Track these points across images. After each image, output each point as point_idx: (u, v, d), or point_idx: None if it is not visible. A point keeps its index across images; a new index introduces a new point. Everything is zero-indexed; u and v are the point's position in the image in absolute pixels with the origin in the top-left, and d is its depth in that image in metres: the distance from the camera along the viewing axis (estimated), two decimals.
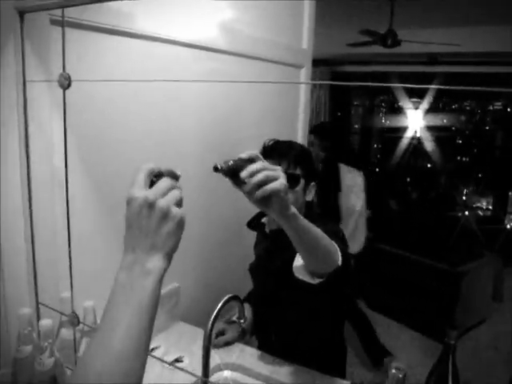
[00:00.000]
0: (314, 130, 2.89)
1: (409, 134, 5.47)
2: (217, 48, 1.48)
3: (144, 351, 0.53)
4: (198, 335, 1.33)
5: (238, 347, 1.35)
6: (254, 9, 1.67)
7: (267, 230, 1.34)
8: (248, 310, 1.42)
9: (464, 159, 5.54)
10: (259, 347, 1.41)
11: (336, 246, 0.95)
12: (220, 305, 0.99)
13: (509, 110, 5.24)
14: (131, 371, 0.51)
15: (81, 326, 0.99)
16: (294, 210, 0.77)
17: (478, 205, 5.31)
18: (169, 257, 0.57)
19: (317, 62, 3.88)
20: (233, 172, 0.71)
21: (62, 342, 1.03)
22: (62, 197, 0.97)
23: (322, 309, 1.24)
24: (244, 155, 0.73)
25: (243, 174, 0.71)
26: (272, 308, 1.32)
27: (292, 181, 1.19)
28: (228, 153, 0.75)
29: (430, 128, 5.37)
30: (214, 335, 1.33)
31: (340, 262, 0.94)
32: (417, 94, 5.29)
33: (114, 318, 0.52)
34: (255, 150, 0.77)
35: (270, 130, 1.56)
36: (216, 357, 1.29)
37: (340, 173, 2.79)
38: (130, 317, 0.52)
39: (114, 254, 0.57)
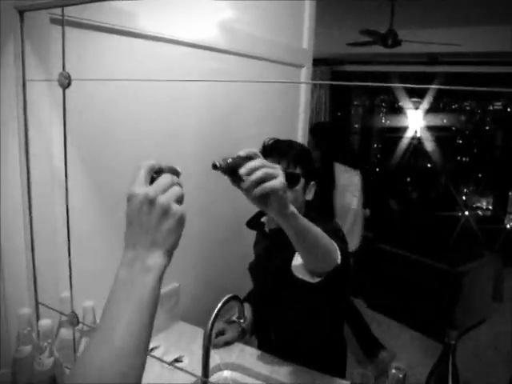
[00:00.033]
0: (310, 129, 2.90)
1: (409, 133, 5.47)
2: (217, 48, 1.48)
3: (144, 348, 0.53)
4: (198, 335, 1.33)
5: (238, 347, 1.35)
6: (255, 8, 1.66)
7: (267, 229, 1.33)
8: (248, 309, 1.42)
9: (464, 159, 5.54)
10: (259, 347, 1.41)
11: (335, 245, 0.95)
12: (220, 305, 0.99)
13: (509, 110, 5.23)
14: (132, 368, 0.51)
15: (80, 325, 0.99)
16: (292, 208, 0.77)
17: (478, 205, 5.31)
18: (169, 253, 0.57)
19: (317, 62, 3.87)
20: (232, 170, 0.71)
21: (62, 341, 1.02)
22: (61, 197, 0.97)
23: (322, 308, 1.24)
24: (243, 153, 0.73)
25: (242, 170, 0.71)
26: (271, 307, 1.32)
27: (292, 180, 1.19)
28: (228, 152, 0.75)
29: (430, 128, 5.36)
30: (213, 335, 1.33)
31: (339, 261, 0.94)
32: (417, 94, 5.28)
33: (115, 315, 0.52)
34: (254, 148, 0.76)
35: (270, 130, 1.56)
36: (216, 357, 1.28)
37: (335, 172, 2.80)
38: (131, 313, 0.52)
39: (114, 253, 0.57)
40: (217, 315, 0.99)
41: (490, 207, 5.29)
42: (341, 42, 4.09)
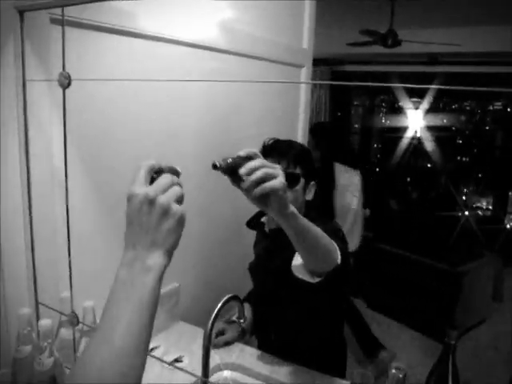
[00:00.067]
0: (310, 129, 2.90)
1: (409, 133, 5.47)
2: (217, 48, 1.48)
3: (144, 348, 0.53)
4: (198, 335, 1.33)
5: (238, 347, 1.35)
6: (255, 8, 1.66)
7: (267, 229, 1.33)
8: (248, 309, 1.42)
9: (464, 159, 5.54)
10: (259, 347, 1.41)
11: (335, 245, 0.95)
12: (220, 305, 0.99)
13: (509, 109, 5.23)
14: (132, 368, 0.51)
15: (80, 325, 0.99)
16: (292, 208, 0.77)
17: (478, 205, 5.31)
18: (169, 253, 0.57)
19: (317, 62, 3.87)
20: (231, 170, 0.71)
21: (62, 341, 1.02)
22: (61, 197, 0.97)
23: (322, 308, 1.24)
24: (242, 153, 0.73)
25: (242, 170, 0.70)
26: (271, 307, 1.32)
27: (292, 180, 1.19)
28: (228, 152, 0.75)
29: (430, 128, 5.36)
30: (213, 335, 1.33)
31: (339, 261, 0.94)
32: (417, 94, 5.28)
33: (115, 315, 0.52)
34: (254, 148, 0.76)
35: (270, 130, 1.56)
36: (216, 357, 1.28)
37: (335, 172, 2.80)
38: (131, 313, 0.52)
39: (114, 253, 0.57)
40: (217, 315, 0.98)
41: (490, 207, 5.29)
42: (341, 42, 4.09)
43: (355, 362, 2.74)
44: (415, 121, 5.39)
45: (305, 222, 0.81)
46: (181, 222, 0.57)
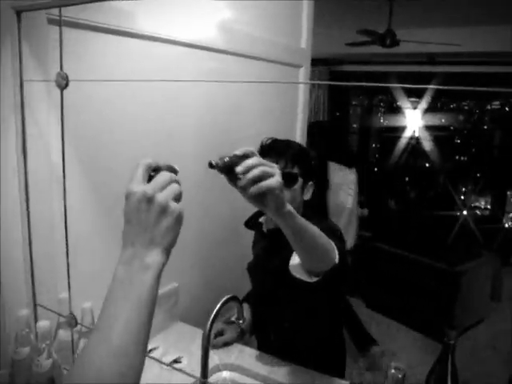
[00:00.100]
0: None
1: (407, 133, 5.48)
2: (216, 48, 1.48)
3: (143, 347, 0.53)
4: (197, 335, 1.33)
5: (237, 347, 1.35)
6: (253, 8, 1.66)
7: (265, 229, 1.33)
8: (247, 309, 1.42)
9: (462, 159, 5.55)
10: (259, 347, 1.41)
11: (333, 244, 0.94)
12: (219, 305, 0.99)
13: (507, 109, 5.24)
14: (130, 367, 0.51)
15: (78, 327, 0.99)
16: (289, 207, 0.77)
17: (477, 204, 5.32)
18: (167, 252, 0.57)
19: (315, 62, 3.87)
20: (228, 168, 0.71)
21: (60, 343, 1.02)
22: (59, 197, 0.97)
23: (320, 307, 1.24)
24: (239, 152, 0.73)
25: (239, 169, 0.70)
26: (270, 307, 1.32)
27: (289, 180, 1.19)
28: (227, 152, 0.74)
29: (428, 128, 5.37)
30: (212, 336, 1.33)
31: (337, 261, 0.94)
32: (415, 94, 5.29)
33: (113, 313, 0.52)
34: (250, 146, 0.76)
35: (268, 130, 1.55)
36: (215, 357, 1.28)
37: (329, 170, 2.80)
38: (129, 311, 0.52)
39: (112, 254, 0.57)
40: (216, 316, 0.98)
41: (489, 207, 5.30)
42: (339, 42, 4.09)
43: (348, 356, 2.76)
44: (413, 120, 5.39)
45: (302, 221, 0.81)
46: (179, 219, 0.57)
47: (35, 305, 1.05)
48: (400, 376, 0.84)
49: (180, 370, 1.14)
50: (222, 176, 0.73)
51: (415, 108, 5.35)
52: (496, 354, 2.93)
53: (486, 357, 2.90)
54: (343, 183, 2.82)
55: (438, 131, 5.40)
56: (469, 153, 5.51)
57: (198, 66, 1.44)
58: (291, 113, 2.06)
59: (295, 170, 1.21)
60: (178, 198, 0.58)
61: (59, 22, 0.88)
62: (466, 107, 5.47)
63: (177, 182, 0.60)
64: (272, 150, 1.22)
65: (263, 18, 1.74)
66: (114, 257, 0.56)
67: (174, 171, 0.61)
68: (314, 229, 0.85)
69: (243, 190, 0.72)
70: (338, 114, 5.85)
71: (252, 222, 1.38)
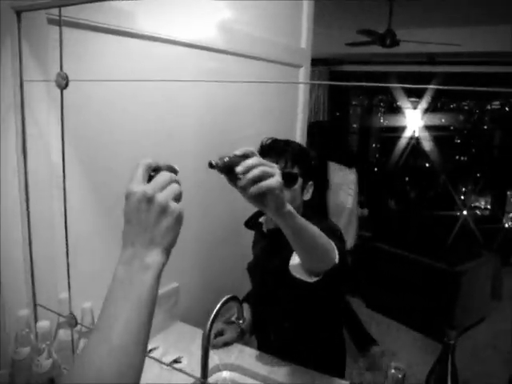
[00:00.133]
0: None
1: (407, 133, 5.48)
2: (216, 48, 1.48)
3: (143, 346, 0.53)
4: (197, 335, 1.33)
5: (237, 348, 1.35)
6: (253, 8, 1.66)
7: (265, 229, 1.33)
8: (247, 310, 1.42)
9: (462, 159, 5.55)
10: (259, 347, 1.41)
11: (333, 244, 0.94)
12: (219, 306, 0.99)
13: (507, 109, 5.24)
14: (130, 367, 0.50)
15: (79, 327, 0.99)
16: (289, 207, 0.77)
17: (477, 204, 5.32)
18: (167, 252, 0.57)
19: (315, 62, 3.87)
20: (228, 168, 0.71)
21: (60, 343, 1.02)
22: (59, 197, 0.97)
23: (320, 307, 1.24)
24: (239, 152, 0.73)
25: (239, 168, 0.70)
26: (270, 307, 1.32)
27: (289, 180, 1.19)
28: (227, 152, 0.74)
29: (428, 128, 5.37)
30: (212, 336, 1.33)
31: (337, 261, 0.94)
32: (415, 94, 5.29)
33: (113, 313, 0.52)
34: (250, 146, 0.76)
35: (268, 130, 1.55)
36: (215, 357, 1.28)
37: (329, 170, 2.80)
38: (129, 311, 0.52)
39: (112, 254, 0.57)
40: (216, 316, 0.98)
41: (489, 206, 5.30)
42: (339, 42, 4.09)
43: (348, 356, 2.76)
44: (413, 120, 5.40)
45: (302, 221, 0.81)
46: (179, 219, 0.57)
47: (35, 305, 1.05)
48: (400, 376, 0.84)
49: (180, 370, 1.14)
50: (223, 176, 0.73)
51: (415, 108, 5.35)
52: (496, 354, 2.93)
53: (486, 356, 2.90)
54: (343, 183, 2.82)
55: (438, 131, 5.40)
56: (469, 153, 5.51)
57: (197, 66, 1.44)
58: (291, 113, 2.06)
59: (295, 170, 1.21)
60: (178, 198, 0.58)
61: (59, 22, 0.88)
62: (466, 107, 5.47)
63: (177, 181, 0.60)
64: (272, 149, 1.22)
65: (263, 17, 1.74)
66: (114, 257, 0.56)
67: (174, 171, 0.61)
68: (313, 229, 0.85)
69: (243, 189, 0.72)
70: (338, 114, 5.85)
71: (252, 222, 1.38)
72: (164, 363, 1.20)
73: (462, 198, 5.30)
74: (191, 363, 1.24)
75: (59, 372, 0.96)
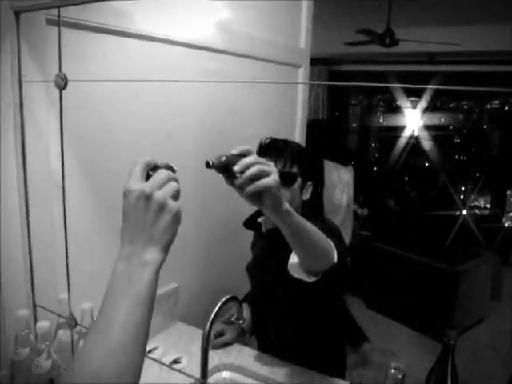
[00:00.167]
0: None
1: (407, 133, 5.48)
2: (215, 48, 1.48)
3: (142, 344, 0.53)
4: (197, 336, 1.33)
5: (237, 348, 1.35)
6: (252, 8, 1.66)
7: (263, 229, 1.33)
8: (246, 310, 1.42)
9: (462, 158, 5.56)
10: (259, 347, 1.41)
11: (331, 243, 0.94)
12: (218, 306, 0.99)
13: (506, 108, 5.25)
14: (130, 364, 0.50)
15: (78, 327, 0.99)
16: (287, 205, 0.76)
17: (476, 203, 5.32)
18: (166, 249, 0.57)
19: (315, 61, 3.86)
20: (225, 168, 0.70)
21: (60, 344, 1.02)
22: (59, 198, 0.97)
23: (319, 307, 1.24)
24: (236, 151, 0.72)
25: (236, 167, 0.70)
26: (269, 307, 1.32)
27: (289, 179, 1.19)
28: (225, 152, 0.74)
29: (427, 127, 5.38)
30: (212, 336, 1.33)
31: (336, 260, 0.94)
32: (415, 93, 5.29)
33: (111, 311, 0.52)
34: (247, 146, 0.75)
35: (267, 129, 1.55)
36: (215, 357, 1.28)
37: (324, 169, 2.80)
38: (128, 309, 0.52)
39: (112, 255, 0.57)
40: (215, 316, 0.98)
41: (488, 206, 5.31)
42: (338, 42, 4.09)
43: None
44: (413, 120, 5.40)
45: (300, 219, 0.81)
46: (177, 217, 0.57)
47: (35, 305, 1.05)
48: (400, 376, 0.84)
49: (179, 371, 1.14)
50: (221, 176, 0.73)
51: (415, 107, 5.35)
52: (496, 354, 2.93)
53: (485, 357, 2.90)
54: (338, 181, 2.81)
55: (437, 131, 5.41)
56: (468, 152, 5.52)
57: (197, 66, 1.44)
58: (290, 113, 2.06)
59: (294, 170, 1.21)
60: (176, 196, 0.58)
61: (58, 23, 0.87)
62: (465, 106, 5.48)
63: (175, 180, 0.60)
64: (271, 149, 1.22)
65: (262, 17, 1.73)
66: (114, 257, 0.56)
67: (172, 170, 0.61)
68: (312, 228, 0.84)
69: (240, 188, 0.72)
70: (337, 113, 5.85)
71: (251, 223, 1.38)
72: (163, 363, 1.20)
73: (462, 197, 5.30)
74: (191, 363, 1.24)
75: (59, 372, 0.96)
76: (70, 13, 0.98)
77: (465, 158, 5.53)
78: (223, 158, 0.70)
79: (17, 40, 0.93)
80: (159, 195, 0.55)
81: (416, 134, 5.43)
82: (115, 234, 0.59)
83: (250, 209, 1.25)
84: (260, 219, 1.36)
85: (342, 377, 1.33)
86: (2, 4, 0.91)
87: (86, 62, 1.09)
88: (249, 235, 1.45)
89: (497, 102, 5.26)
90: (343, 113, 5.98)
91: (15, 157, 0.98)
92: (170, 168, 0.61)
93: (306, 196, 1.28)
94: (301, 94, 2.07)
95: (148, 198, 0.55)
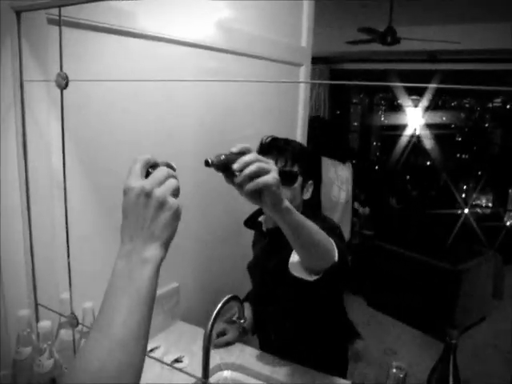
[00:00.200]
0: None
1: (408, 131, 5.47)
2: (216, 47, 1.48)
3: (143, 343, 0.53)
4: (199, 335, 1.33)
5: (238, 347, 1.35)
6: (253, 7, 1.66)
7: (264, 228, 1.33)
8: (248, 309, 1.42)
9: (464, 157, 5.55)
10: (260, 347, 1.41)
11: (332, 241, 0.94)
12: (220, 305, 0.99)
13: (508, 107, 5.23)
14: (130, 365, 0.50)
15: (80, 327, 0.99)
16: (287, 203, 0.76)
17: (478, 202, 5.31)
18: (166, 246, 0.57)
19: (316, 60, 3.87)
20: (224, 166, 0.70)
21: (62, 343, 1.02)
22: (60, 197, 0.97)
23: (320, 306, 1.24)
24: (235, 149, 0.72)
25: (235, 165, 0.70)
26: (270, 306, 1.32)
27: (290, 178, 1.19)
28: (226, 151, 0.74)
29: (429, 126, 5.37)
30: (214, 335, 1.33)
31: (336, 258, 0.94)
32: (416, 92, 5.28)
33: (112, 308, 0.52)
34: (252, 147, 0.75)
35: (269, 128, 1.55)
36: (216, 357, 1.28)
37: (322, 166, 2.78)
38: (129, 306, 0.52)
39: (113, 254, 0.57)
40: (217, 316, 0.98)
41: (490, 205, 5.30)
42: (340, 40, 4.08)
43: None
44: (414, 119, 5.39)
45: (300, 217, 0.80)
46: (177, 214, 0.57)
47: (36, 305, 1.05)
48: (401, 375, 0.83)
49: (181, 370, 1.14)
50: (221, 175, 0.73)
51: (416, 106, 5.34)
52: (497, 353, 2.93)
53: (487, 356, 2.90)
54: (336, 178, 2.80)
55: (439, 129, 5.40)
56: (470, 151, 5.51)
57: (198, 66, 1.44)
58: (292, 112, 2.05)
59: (295, 169, 1.21)
60: (175, 193, 0.58)
61: (59, 22, 0.87)
62: (467, 105, 5.46)
63: (174, 177, 0.60)
64: (272, 148, 1.22)
65: (263, 16, 1.73)
66: (115, 256, 0.56)
67: (172, 168, 0.62)
68: (312, 226, 0.84)
69: (240, 186, 0.72)
70: (338, 112, 5.84)
71: (251, 222, 1.38)
72: (165, 363, 1.20)
73: (464, 196, 5.29)
74: (192, 363, 1.24)
75: (61, 372, 0.96)
76: (71, 12, 0.98)
77: (466, 156, 5.52)
78: (222, 157, 0.70)
79: (18, 39, 0.93)
80: (159, 192, 0.56)
81: (417, 132, 5.42)
82: (116, 233, 0.59)
83: (250, 208, 1.25)
84: (260, 218, 1.36)
85: (343, 376, 1.33)
86: (3, 4, 0.91)
87: (87, 61, 1.09)
88: (249, 235, 1.45)
89: (499, 100, 5.25)
90: (344, 111, 5.96)
91: (16, 157, 0.98)
92: (169, 166, 0.62)
93: (307, 195, 1.28)
94: (302, 92, 2.07)
95: (148, 195, 0.55)
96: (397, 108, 5.64)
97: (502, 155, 5.23)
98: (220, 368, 1.27)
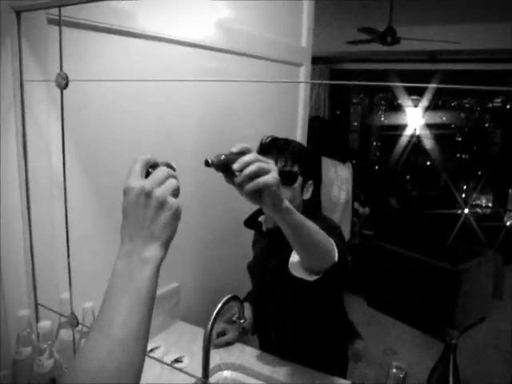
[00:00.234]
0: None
1: (408, 131, 5.47)
2: (216, 47, 1.48)
3: (143, 342, 0.53)
4: (199, 335, 1.33)
5: (238, 347, 1.35)
6: (253, 7, 1.66)
7: (264, 228, 1.33)
8: (248, 309, 1.42)
9: (464, 157, 5.55)
10: (260, 347, 1.41)
11: (332, 241, 0.94)
12: (220, 305, 0.99)
13: (508, 107, 5.23)
14: (130, 365, 0.50)
15: (80, 327, 0.99)
16: (287, 203, 0.76)
17: (478, 202, 5.31)
18: (166, 246, 0.57)
19: (316, 60, 3.87)
20: (224, 166, 0.70)
21: (62, 343, 1.02)
22: (60, 197, 0.97)
23: (320, 306, 1.24)
24: (235, 149, 0.72)
25: (235, 165, 0.70)
26: (270, 306, 1.32)
27: (290, 178, 1.19)
28: (225, 151, 0.74)
29: (429, 126, 5.37)
30: (214, 335, 1.33)
31: (336, 258, 0.94)
32: (416, 92, 5.28)
33: (112, 308, 0.52)
34: (252, 146, 0.75)
35: (269, 128, 1.55)
36: (216, 357, 1.28)
37: (322, 166, 2.78)
38: (129, 305, 0.52)
39: (113, 254, 0.57)
40: (217, 316, 0.98)
41: (490, 205, 5.30)
42: (340, 40, 4.08)
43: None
44: (414, 119, 5.39)
45: (300, 217, 0.80)
46: (177, 214, 0.57)
47: (36, 305, 1.05)
48: (401, 376, 0.83)
49: (181, 370, 1.14)
50: (221, 175, 0.73)
51: (416, 106, 5.34)
52: (497, 353, 2.93)
53: (487, 356, 2.90)
54: (336, 178, 2.80)
55: (439, 129, 5.40)
56: (470, 151, 5.51)
57: (198, 66, 1.44)
58: (292, 111, 2.05)
59: (295, 169, 1.21)
60: (175, 193, 0.58)
61: (59, 22, 0.87)
62: (467, 105, 5.46)
63: (174, 177, 0.60)
64: (272, 148, 1.22)
65: (263, 16, 1.73)
66: (115, 256, 0.56)
67: (172, 168, 0.62)
68: (312, 226, 0.84)
69: (240, 186, 0.72)
70: (338, 112, 5.84)
71: (251, 222, 1.38)
72: (165, 363, 1.20)
73: (464, 196, 5.29)
74: (192, 363, 1.24)
75: (61, 372, 0.96)
76: (71, 12, 0.98)
77: (466, 156, 5.52)
78: (222, 157, 0.70)
79: (18, 39, 0.93)
80: (159, 192, 0.56)
81: (417, 132, 5.42)
82: (116, 233, 0.59)
83: (250, 208, 1.25)
84: (260, 218, 1.36)
85: (343, 376, 1.33)
86: (3, 4, 0.91)
87: (87, 61, 1.09)
88: (249, 235, 1.45)
89: (499, 100, 5.25)
90: (344, 111, 5.96)
91: (16, 157, 0.98)
92: (169, 166, 0.62)
93: (307, 195, 1.28)
94: (302, 92, 2.07)
95: (148, 195, 0.55)
96: (397, 108, 5.64)
97: (502, 155, 5.23)
98: (220, 368, 1.27)
